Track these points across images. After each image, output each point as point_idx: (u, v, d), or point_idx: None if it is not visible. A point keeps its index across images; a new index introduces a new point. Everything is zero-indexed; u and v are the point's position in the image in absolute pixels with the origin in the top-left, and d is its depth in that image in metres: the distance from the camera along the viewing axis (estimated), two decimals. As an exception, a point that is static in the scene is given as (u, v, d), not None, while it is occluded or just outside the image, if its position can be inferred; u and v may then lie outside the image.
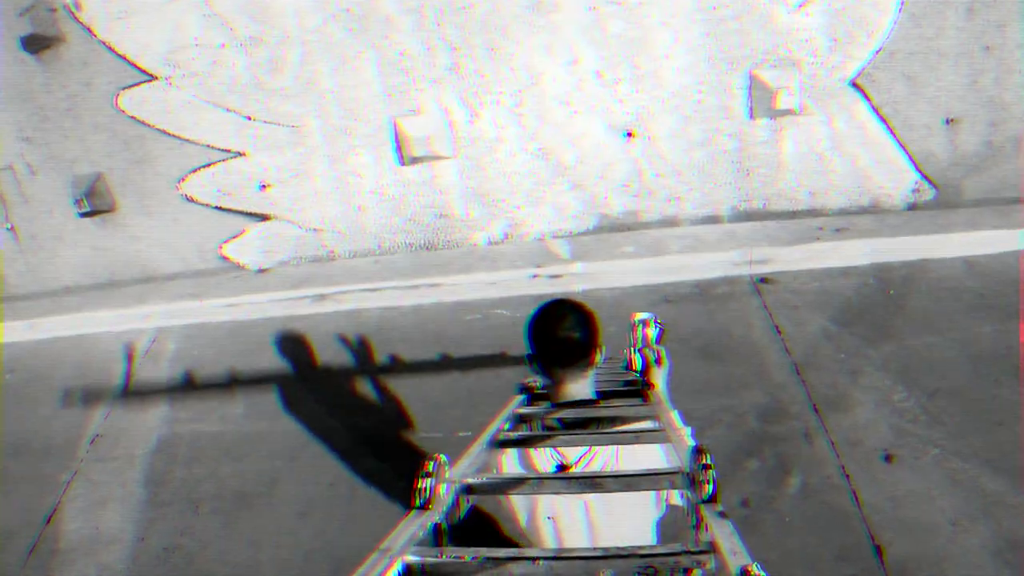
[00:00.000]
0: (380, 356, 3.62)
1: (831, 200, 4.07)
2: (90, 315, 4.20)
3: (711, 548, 0.69)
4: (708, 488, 0.79)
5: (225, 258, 4.46)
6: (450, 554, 0.72)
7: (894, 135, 3.93)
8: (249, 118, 4.14)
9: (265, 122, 4.14)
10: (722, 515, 0.74)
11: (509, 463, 1.40)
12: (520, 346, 1.46)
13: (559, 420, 1.34)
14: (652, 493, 1.41)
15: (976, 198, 3.97)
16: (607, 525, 1.38)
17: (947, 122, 3.89)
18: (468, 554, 0.72)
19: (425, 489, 0.83)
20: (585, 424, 1.36)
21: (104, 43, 4.01)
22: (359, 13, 3.85)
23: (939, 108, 3.87)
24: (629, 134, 4.05)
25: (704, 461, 0.81)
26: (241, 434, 3.31)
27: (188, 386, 3.65)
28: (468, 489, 0.90)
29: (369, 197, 4.23)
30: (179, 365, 3.82)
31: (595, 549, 0.72)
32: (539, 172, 4.12)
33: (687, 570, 0.68)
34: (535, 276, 3.78)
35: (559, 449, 1.35)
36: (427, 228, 4.25)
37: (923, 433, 2.85)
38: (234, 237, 4.40)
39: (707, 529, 0.74)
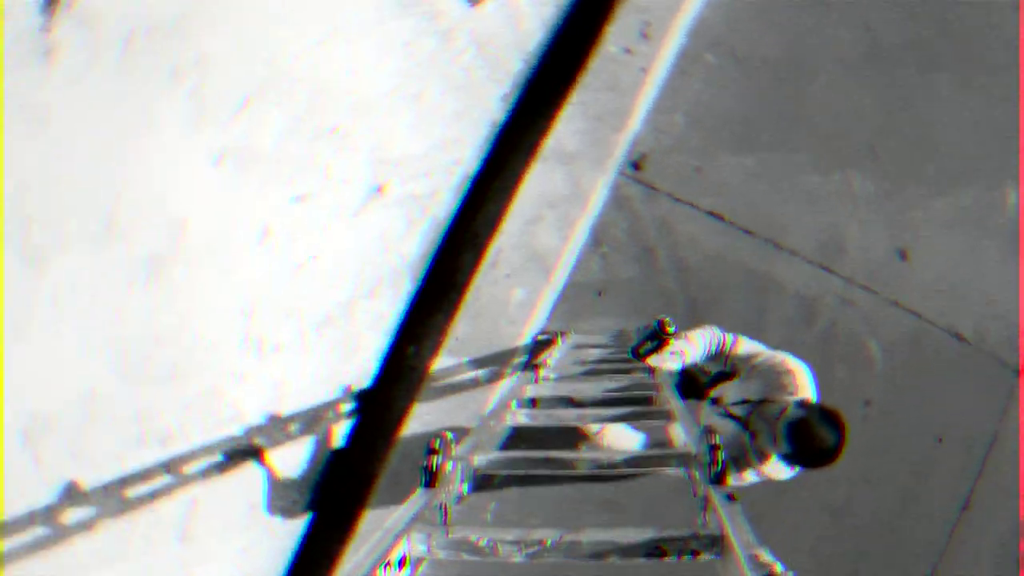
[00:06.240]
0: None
1: None
2: None
3: (720, 533, 0.69)
4: (716, 469, 0.78)
5: None
6: (457, 532, 0.71)
7: None
8: None
9: None
10: (730, 498, 0.74)
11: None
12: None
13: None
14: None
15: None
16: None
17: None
18: (475, 534, 0.71)
19: (431, 467, 0.82)
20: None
21: None
22: None
23: None
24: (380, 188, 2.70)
25: (713, 442, 0.80)
26: None
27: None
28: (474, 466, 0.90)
29: None
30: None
31: (604, 531, 0.73)
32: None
33: (695, 551, 0.70)
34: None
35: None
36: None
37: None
38: None
39: (715, 511, 0.74)
